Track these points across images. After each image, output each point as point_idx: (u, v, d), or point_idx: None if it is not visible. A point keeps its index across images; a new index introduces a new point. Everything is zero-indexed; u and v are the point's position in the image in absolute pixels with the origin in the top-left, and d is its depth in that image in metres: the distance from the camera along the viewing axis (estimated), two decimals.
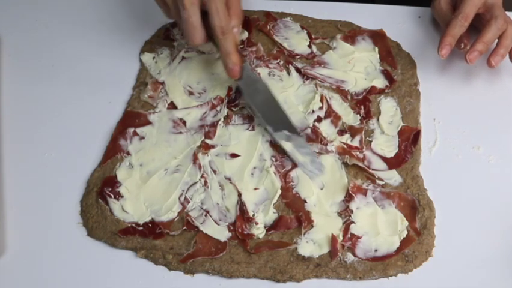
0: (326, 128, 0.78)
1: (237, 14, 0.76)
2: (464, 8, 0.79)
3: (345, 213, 0.71)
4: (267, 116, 0.77)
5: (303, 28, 0.88)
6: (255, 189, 0.73)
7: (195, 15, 0.73)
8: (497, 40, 0.80)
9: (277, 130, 0.76)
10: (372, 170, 0.75)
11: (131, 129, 0.79)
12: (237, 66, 0.76)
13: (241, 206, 0.72)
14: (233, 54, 0.75)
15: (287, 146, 0.75)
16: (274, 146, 0.76)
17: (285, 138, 0.75)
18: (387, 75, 0.83)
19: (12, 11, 0.92)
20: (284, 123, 0.77)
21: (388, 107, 0.80)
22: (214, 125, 0.79)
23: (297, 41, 0.87)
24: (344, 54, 0.85)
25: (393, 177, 0.74)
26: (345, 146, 0.76)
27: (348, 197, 0.72)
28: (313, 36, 0.88)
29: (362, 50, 0.86)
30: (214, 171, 0.75)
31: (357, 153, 0.76)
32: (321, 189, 0.73)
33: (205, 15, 0.74)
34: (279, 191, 0.73)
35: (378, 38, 0.87)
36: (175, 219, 0.72)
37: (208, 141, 0.77)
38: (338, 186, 0.73)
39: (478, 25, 0.83)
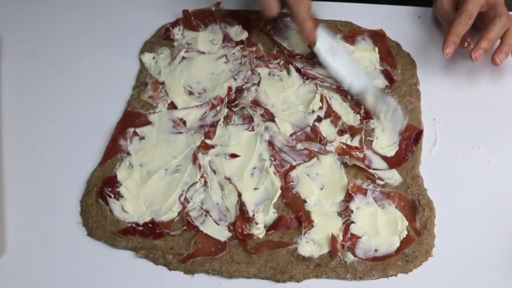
0: (326, 128, 0.78)
1: None
2: (467, 6, 0.79)
3: (345, 213, 0.71)
4: (348, 73, 0.81)
5: None
6: (255, 189, 0.73)
7: None
8: (500, 38, 0.80)
9: (362, 86, 0.80)
10: (373, 169, 0.75)
11: (131, 129, 0.79)
12: (312, 33, 0.80)
13: (241, 206, 0.72)
14: (308, 20, 0.79)
15: (369, 98, 0.79)
16: (273, 146, 0.76)
17: (370, 92, 0.79)
18: (387, 75, 0.83)
19: (12, 11, 0.92)
20: (367, 81, 0.80)
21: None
22: (214, 125, 0.79)
23: (297, 41, 0.87)
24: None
25: (393, 177, 0.74)
26: (344, 147, 0.76)
27: (348, 197, 0.72)
28: None
29: (362, 50, 0.86)
30: (214, 171, 0.75)
31: (357, 153, 0.76)
32: (321, 189, 0.73)
33: None
34: (279, 191, 0.73)
35: (378, 38, 0.87)
36: (175, 219, 0.72)
37: (208, 141, 0.77)
38: (338, 186, 0.73)
39: (479, 24, 0.83)
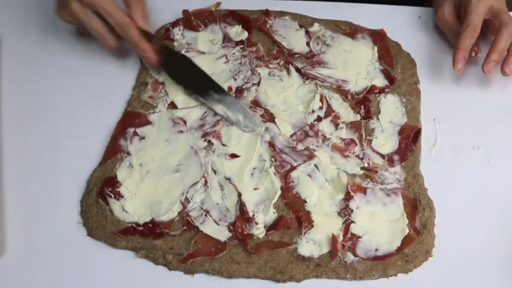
0: (326, 128, 0.78)
1: (136, 3, 0.81)
2: (471, 18, 0.80)
3: (345, 212, 0.71)
4: (192, 85, 0.81)
5: (301, 26, 0.88)
6: (255, 189, 0.73)
7: (96, 24, 0.80)
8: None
9: (205, 95, 0.79)
10: (373, 168, 0.75)
11: (132, 129, 0.79)
12: (149, 53, 0.80)
13: (241, 206, 0.72)
14: (140, 43, 0.79)
15: (219, 108, 0.79)
16: (274, 146, 0.76)
17: (215, 101, 0.79)
18: (387, 74, 0.83)
19: (12, 11, 0.92)
20: (211, 85, 0.80)
21: (389, 105, 0.81)
22: (214, 124, 0.79)
23: (296, 40, 0.87)
24: (343, 50, 0.86)
25: (394, 175, 0.74)
26: (341, 145, 0.76)
27: (348, 196, 0.72)
28: (310, 31, 0.88)
29: (362, 47, 0.86)
30: (215, 171, 0.75)
31: (355, 150, 0.76)
32: (321, 188, 0.73)
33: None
34: (279, 191, 0.73)
35: (378, 37, 0.88)
36: (175, 219, 0.72)
37: (208, 141, 0.77)
38: (338, 185, 0.73)
39: (485, 30, 0.83)
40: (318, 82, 0.83)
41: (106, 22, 0.80)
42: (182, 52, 0.85)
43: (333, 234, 0.69)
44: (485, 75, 0.80)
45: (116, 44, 0.82)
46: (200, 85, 0.81)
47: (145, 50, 0.80)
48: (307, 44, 0.87)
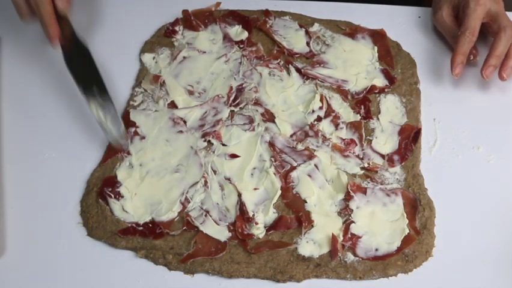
0: (326, 128, 0.78)
1: None
2: (469, 22, 0.80)
3: (345, 212, 0.71)
4: (83, 78, 0.79)
5: (301, 26, 0.88)
6: (255, 189, 0.73)
7: None
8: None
9: (86, 89, 0.77)
10: (374, 168, 0.75)
11: (132, 129, 0.79)
12: (53, 36, 0.78)
13: (241, 206, 0.72)
14: (48, 24, 0.77)
15: (93, 106, 0.77)
16: (274, 146, 0.76)
17: (94, 94, 0.77)
18: (387, 74, 0.83)
19: (12, 11, 0.92)
20: (96, 82, 0.78)
21: (389, 105, 0.81)
22: (214, 124, 0.79)
23: (296, 40, 0.87)
24: (343, 50, 0.86)
25: (394, 175, 0.74)
26: (341, 145, 0.76)
27: (348, 196, 0.72)
28: (310, 31, 0.88)
29: (362, 47, 0.86)
30: (214, 172, 0.75)
31: (355, 150, 0.76)
32: (321, 188, 0.73)
33: None
34: (279, 191, 0.73)
35: (378, 37, 0.88)
36: (175, 219, 0.72)
37: (208, 141, 0.77)
38: (338, 185, 0.73)
39: (484, 33, 0.83)
40: (318, 82, 0.83)
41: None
42: (181, 54, 0.85)
43: (333, 234, 0.69)
44: (482, 77, 0.80)
45: (30, 17, 0.79)
46: (88, 78, 0.78)
47: (50, 33, 0.77)
48: (307, 44, 0.87)
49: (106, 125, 0.76)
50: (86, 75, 0.79)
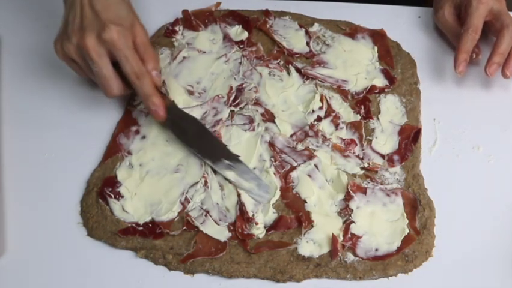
0: (326, 128, 0.78)
1: (152, 57, 0.75)
2: (471, 20, 0.80)
3: (345, 212, 0.71)
4: (202, 149, 0.75)
5: (301, 26, 0.88)
6: None
7: (106, 67, 0.72)
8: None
9: (216, 161, 0.74)
10: (374, 168, 0.75)
11: (134, 128, 0.79)
12: (160, 107, 0.74)
13: (241, 206, 0.72)
14: (153, 96, 0.73)
15: (230, 175, 0.73)
16: (274, 146, 0.76)
17: (226, 167, 0.74)
18: (387, 74, 0.83)
19: (12, 11, 0.92)
20: (222, 152, 0.75)
21: (389, 105, 0.81)
22: (214, 124, 0.79)
23: (296, 40, 0.87)
24: (343, 50, 0.86)
25: (394, 175, 0.74)
26: (341, 145, 0.76)
27: (348, 196, 0.72)
28: (310, 31, 0.88)
29: (362, 47, 0.86)
30: (214, 171, 0.75)
31: (355, 150, 0.76)
32: (321, 188, 0.73)
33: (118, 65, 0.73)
34: (279, 192, 0.73)
35: (378, 37, 0.88)
36: (175, 219, 0.72)
37: None
38: (338, 185, 0.73)
39: (485, 32, 0.83)
40: (318, 82, 0.83)
41: (117, 68, 0.74)
42: (181, 54, 0.85)
43: (333, 234, 0.69)
44: (485, 75, 0.80)
45: (121, 92, 0.75)
46: (211, 150, 0.75)
47: (157, 104, 0.73)
48: (307, 44, 0.87)
49: (255, 191, 0.73)
50: (207, 146, 0.76)
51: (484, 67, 0.79)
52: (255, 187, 0.73)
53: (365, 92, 0.82)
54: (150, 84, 0.74)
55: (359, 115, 0.80)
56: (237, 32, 0.89)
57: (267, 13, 0.90)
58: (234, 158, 0.74)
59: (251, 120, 0.79)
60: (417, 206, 0.72)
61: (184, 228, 0.71)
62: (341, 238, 0.69)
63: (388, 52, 0.86)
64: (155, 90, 0.74)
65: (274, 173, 0.74)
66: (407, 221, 0.70)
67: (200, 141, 0.76)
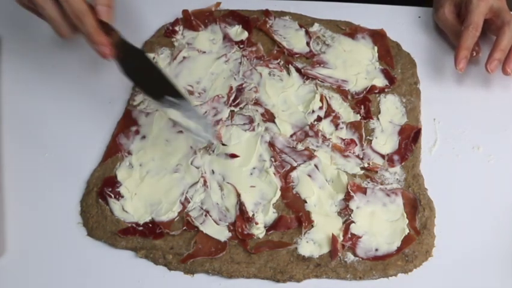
0: (326, 128, 0.78)
1: None
2: (472, 17, 0.80)
3: (345, 212, 0.71)
4: (147, 86, 0.73)
5: (301, 26, 0.89)
6: (251, 186, 0.73)
7: (50, 9, 0.72)
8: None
9: (159, 98, 0.71)
10: (374, 168, 0.75)
11: (134, 128, 0.79)
12: (104, 46, 0.71)
13: (241, 206, 0.72)
14: (94, 34, 0.71)
15: (173, 114, 0.70)
16: (273, 146, 0.76)
17: (170, 105, 0.70)
18: (387, 74, 0.83)
19: (12, 11, 0.92)
20: (167, 88, 0.71)
21: (389, 105, 0.81)
22: (214, 124, 0.79)
23: (296, 40, 0.87)
24: (343, 50, 0.86)
25: (394, 175, 0.74)
26: (341, 145, 0.76)
27: (348, 196, 0.72)
28: (310, 31, 0.88)
29: (362, 47, 0.86)
30: (214, 172, 0.75)
31: (355, 150, 0.76)
32: (321, 188, 0.73)
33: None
34: (279, 191, 0.73)
35: (378, 37, 0.88)
36: (175, 219, 0.72)
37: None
38: (338, 185, 0.73)
39: (485, 30, 0.83)
40: (318, 82, 0.83)
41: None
42: (181, 54, 0.85)
43: (333, 234, 0.69)
44: (485, 74, 0.80)
45: (71, 34, 0.74)
46: (155, 86, 0.72)
47: (99, 42, 0.71)
48: (307, 44, 0.87)
49: (201, 134, 0.71)
50: (152, 82, 0.73)
51: (485, 64, 0.79)
52: (201, 128, 0.71)
53: (365, 92, 0.82)
54: (91, 23, 0.71)
55: (359, 115, 0.80)
56: (237, 32, 0.89)
57: (267, 13, 0.90)
58: (179, 95, 0.71)
59: (251, 120, 0.79)
60: (417, 206, 0.72)
61: (184, 228, 0.71)
62: (341, 238, 0.69)
63: (388, 52, 0.86)
64: (98, 29, 0.71)
65: (274, 173, 0.74)
66: (407, 221, 0.70)
67: (145, 78, 0.73)
